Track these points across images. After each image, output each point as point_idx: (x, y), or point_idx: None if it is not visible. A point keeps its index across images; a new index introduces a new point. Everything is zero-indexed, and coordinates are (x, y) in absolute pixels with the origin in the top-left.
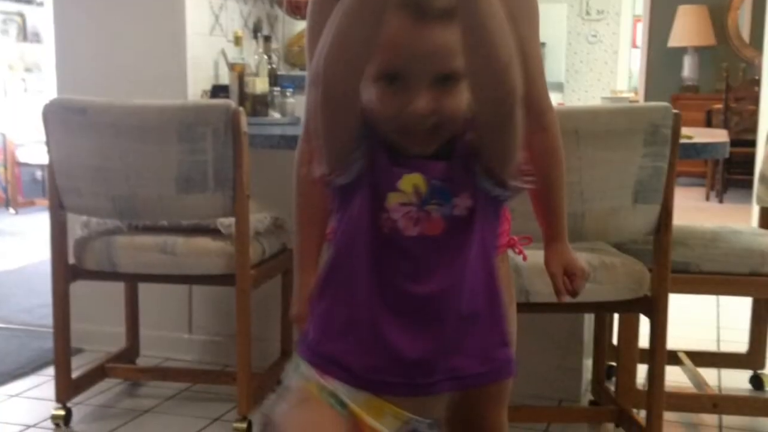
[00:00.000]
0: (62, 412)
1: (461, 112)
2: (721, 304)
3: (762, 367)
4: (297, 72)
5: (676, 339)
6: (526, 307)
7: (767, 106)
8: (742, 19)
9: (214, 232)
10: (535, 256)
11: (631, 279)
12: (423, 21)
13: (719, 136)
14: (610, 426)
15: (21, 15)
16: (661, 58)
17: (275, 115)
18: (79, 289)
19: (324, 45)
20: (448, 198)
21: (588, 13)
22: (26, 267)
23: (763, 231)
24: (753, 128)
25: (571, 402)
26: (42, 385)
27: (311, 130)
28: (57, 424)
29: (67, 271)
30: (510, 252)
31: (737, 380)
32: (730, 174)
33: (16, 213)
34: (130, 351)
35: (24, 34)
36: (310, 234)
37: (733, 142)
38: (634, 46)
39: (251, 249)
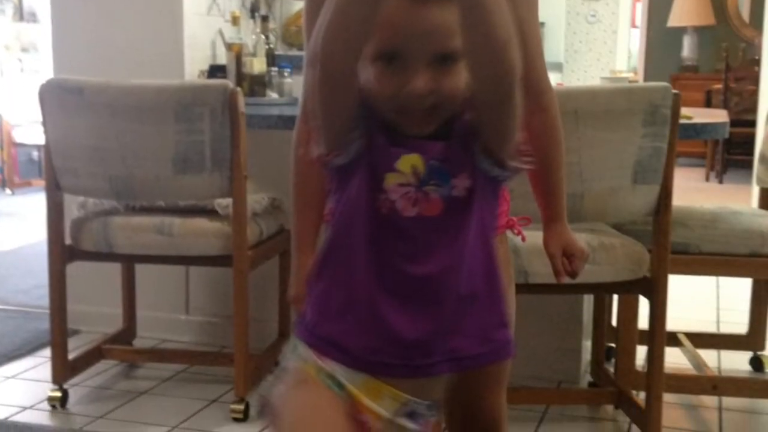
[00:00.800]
0: (59, 394)
1: (460, 92)
2: (721, 285)
3: (762, 348)
4: (295, 52)
5: (675, 320)
6: (524, 288)
7: (767, 86)
8: None
9: (211, 213)
10: (534, 236)
11: (631, 260)
12: (421, 0)
13: (719, 116)
14: (610, 407)
15: None
16: (660, 38)
17: (273, 95)
18: (75, 270)
19: (322, 24)
20: (447, 178)
21: None
22: (23, 248)
23: (763, 212)
24: (753, 108)
25: (570, 383)
26: (38, 367)
27: (309, 110)
28: (53, 406)
29: (63, 251)
30: (509, 233)
31: (737, 362)
32: (730, 154)
33: (13, 194)
34: (127, 332)
35: (20, 14)
36: (307, 215)
37: (733, 123)
38: (634, 25)
39: (249, 230)
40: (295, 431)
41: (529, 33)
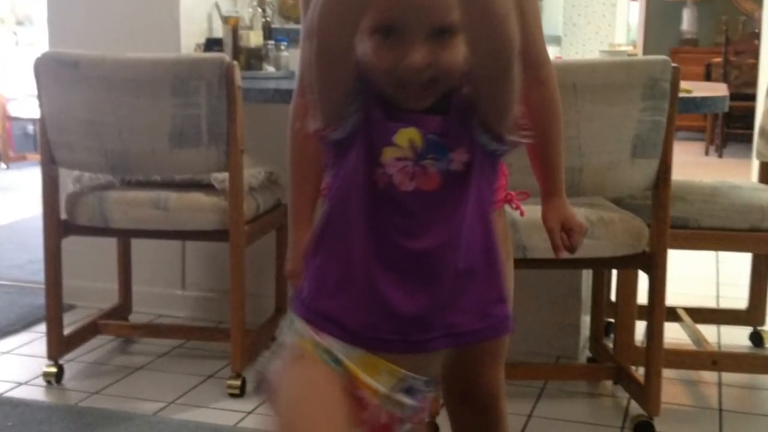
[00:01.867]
0: (54, 369)
1: (458, 66)
2: (721, 260)
3: (762, 323)
4: (291, 25)
5: (675, 295)
6: (523, 263)
7: (767, 59)
8: None
9: (207, 188)
10: (533, 211)
11: (630, 235)
12: None
13: (718, 89)
14: (608, 383)
15: None
16: (659, 11)
17: (269, 68)
18: (71, 244)
19: None
20: (445, 152)
21: None
22: (17, 222)
23: (763, 186)
24: (753, 82)
25: (568, 359)
26: (33, 342)
27: (306, 84)
28: (49, 381)
29: (58, 226)
30: (507, 207)
31: (737, 337)
32: (730, 128)
33: (8, 168)
34: (123, 307)
35: None
36: (304, 189)
37: (733, 96)
38: None
39: (245, 204)
40: (292, 407)
41: (528, 6)
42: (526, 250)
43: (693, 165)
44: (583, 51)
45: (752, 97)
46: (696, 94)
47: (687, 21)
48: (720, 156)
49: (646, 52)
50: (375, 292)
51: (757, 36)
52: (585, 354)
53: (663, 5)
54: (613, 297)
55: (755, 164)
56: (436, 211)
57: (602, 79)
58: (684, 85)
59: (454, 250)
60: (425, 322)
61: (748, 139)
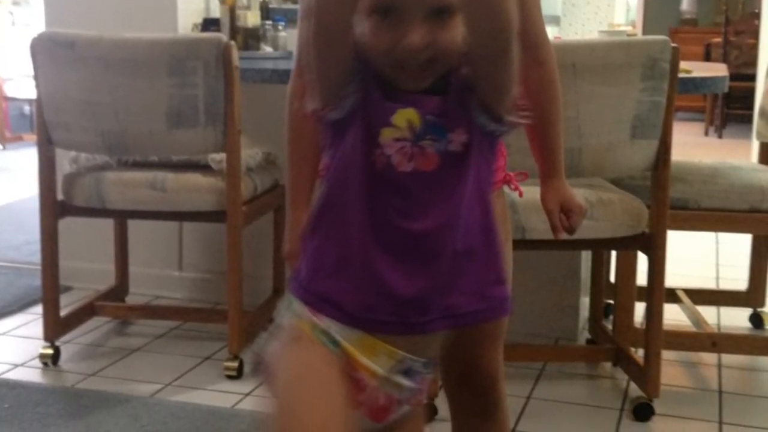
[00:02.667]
0: (50, 351)
1: (456, 46)
2: (721, 241)
3: (762, 305)
4: (289, 5)
5: (674, 277)
6: (522, 244)
7: (767, 39)
8: None
9: (204, 168)
10: (532, 192)
11: (629, 216)
12: None
13: (718, 70)
14: (608, 365)
15: None
16: None
17: (267, 49)
18: (67, 225)
19: None
20: (443, 133)
21: None
22: (14, 203)
23: (762, 167)
24: (753, 62)
25: (567, 341)
26: (30, 324)
27: (303, 64)
28: (45, 363)
29: (55, 207)
30: (506, 188)
31: (736, 318)
32: (730, 109)
33: (4, 148)
34: (120, 289)
35: None
36: (302, 170)
37: (733, 77)
38: None
39: (243, 185)
40: (289, 389)
41: None
42: (525, 231)
43: (692, 146)
44: (582, 31)
45: (752, 78)
46: (696, 74)
47: (687, 1)
48: (720, 137)
49: (645, 32)
50: (373, 273)
51: (757, 16)
52: (584, 335)
53: None
54: (612, 278)
55: (755, 145)
56: (434, 192)
57: (601, 59)
58: (684, 65)
59: (453, 231)
60: (423, 304)
61: (748, 120)
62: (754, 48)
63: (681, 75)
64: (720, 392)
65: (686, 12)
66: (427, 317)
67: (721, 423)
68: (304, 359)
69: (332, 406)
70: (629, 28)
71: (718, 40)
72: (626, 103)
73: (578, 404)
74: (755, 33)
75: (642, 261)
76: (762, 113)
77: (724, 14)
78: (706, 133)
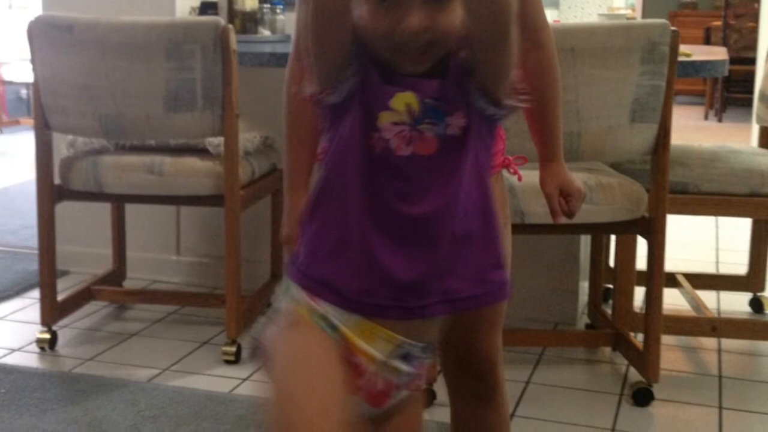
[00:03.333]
0: (47, 336)
1: (455, 29)
2: (720, 225)
3: (762, 289)
4: None
5: (674, 261)
6: (521, 229)
7: (767, 22)
8: None
9: (202, 152)
10: (531, 176)
11: (629, 200)
12: None
13: (718, 53)
14: (607, 349)
15: None
16: None
17: (265, 32)
18: (64, 210)
19: None
20: (442, 117)
21: None
22: (11, 187)
23: (762, 150)
24: (752, 46)
25: (567, 325)
26: (27, 308)
27: (302, 48)
28: (42, 348)
29: (52, 191)
30: (505, 172)
31: (736, 303)
32: (730, 92)
33: (1, 132)
34: (117, 273)
35: None
36: (300, 154)
37: (733, 60)
38: None
39: (240, 169)
40: (287, 373)
41: None
42: (524, 215)
43: (692, 129)
44: (581, 15)
45: (752, 61)
46: (695, 57)
47: None
48: (719, 120)
49: (645, 15)
50: (371, 257)
51: None
52: (583, 320)
53: None
54: (611, 263)
55: (755, 129)
56: (433, 176)
57: (601, 43)
58: (683, 48)
59: (452, 215)
60: (422, 288)
61: (747, 104)
62: (753, 31)
63: (681, 59)
64: (720, 377)
65: None
66: (425, 302)
67: (720, 408)
68: (302, 344)
69: (330, 391)
70: (629, 12)
71: (718, 23)
72: (626, 86)
73: (577, 389)
74: (755, 16)
75: (641, 245)
76: (762, 97)
77: None
78: (706, 117)
